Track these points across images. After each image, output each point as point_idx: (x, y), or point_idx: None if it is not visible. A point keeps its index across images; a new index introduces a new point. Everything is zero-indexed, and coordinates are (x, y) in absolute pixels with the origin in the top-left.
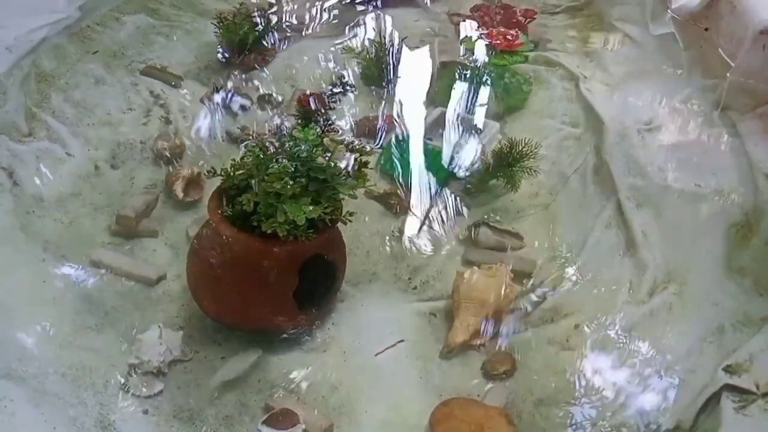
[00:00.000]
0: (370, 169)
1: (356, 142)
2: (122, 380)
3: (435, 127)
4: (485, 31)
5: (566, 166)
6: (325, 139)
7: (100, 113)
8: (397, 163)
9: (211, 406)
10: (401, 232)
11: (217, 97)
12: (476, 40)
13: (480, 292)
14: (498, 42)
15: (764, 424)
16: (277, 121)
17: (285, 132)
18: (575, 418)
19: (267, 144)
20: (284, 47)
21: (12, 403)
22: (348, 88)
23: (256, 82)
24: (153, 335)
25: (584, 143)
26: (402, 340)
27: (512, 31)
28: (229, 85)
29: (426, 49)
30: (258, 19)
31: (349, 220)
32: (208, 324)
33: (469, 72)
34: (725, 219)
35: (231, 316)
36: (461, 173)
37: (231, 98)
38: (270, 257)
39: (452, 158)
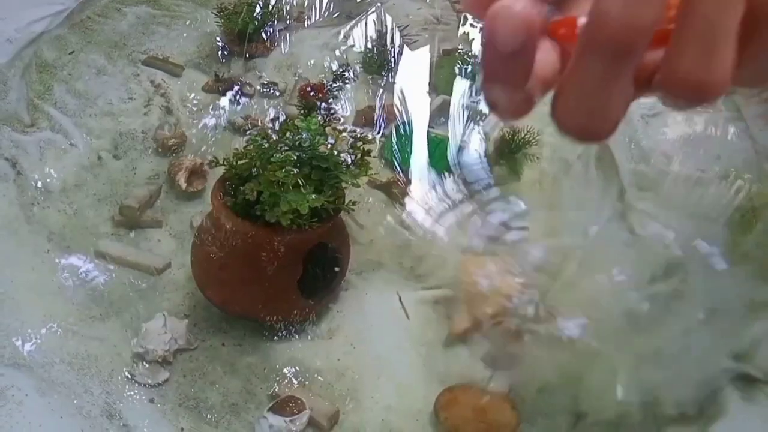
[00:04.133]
0: (373, 157)
1: (358, 131)
2: (128, 369)
3: (437, 115)
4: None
5: (569, 153)
6: (327, 128)
7: (102, 103)
8: (399, 151)
9: (218, 394)
10: (404, 220)
11: (219, 87)
12: (474, 26)
13: (483, 281)
14: None
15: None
16: (278, 109)
17: (286, 121)
18: (578, 405)
19: (269, 133)
20: (286, 37)
21: (19, 392)
22: (349, 77)
23: (258, 72)
24: (158, 324)
25: None
26: (399, 296)
27: None
28: (231, 74)
29: (427, 37)
30: (259, 9)
31: (352, 209)
32: (213, 312)
33: (470, 59)
34: (729, 204)
35: (235, 305)
36: (464, 161)
37: (232, 87)
38: (273, 246)
39: (454, 146)
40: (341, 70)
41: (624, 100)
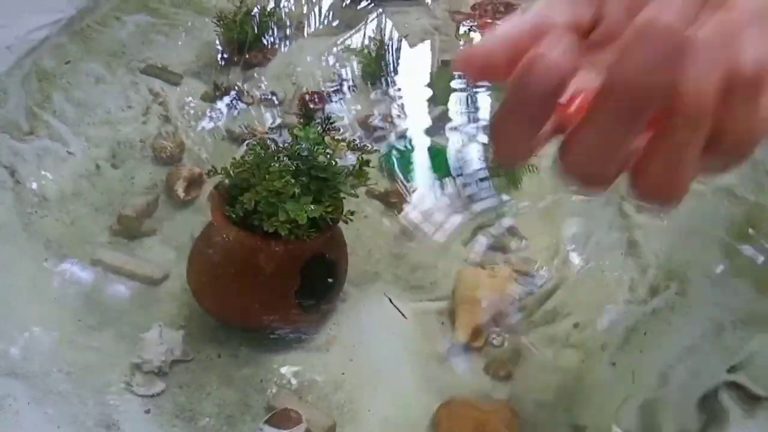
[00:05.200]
0: (372, 167)
1: (357, 141)
2: (124, 379)
3: (436, 125)
4: (474, 23)
5: None
6: (326, 138)
7: (101, 112)
8: (398, 161)
9: (213, 405)
10: (402, 230)
11: (217, 96)
12: (470, 33)
13: (481, 293)
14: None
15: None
16: (278, 119)
17: (285, 130)
18: (577, 418)
19: (268, 142)
20: (285, 45)
21: (16, 401)
22: (348, 86)
23: (257, 81)
24: (154, 335)
25: None
26: (389, 298)
27: (498, 22)
28: (230, 83)
29: (427, 47)
30: (258, 17)
31: (350, 219)
32: (210, 323)
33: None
34: (727, 217)
35: (232, 316)
36: (463, 171)
37: (231, 96)
38: (271, 256)
39: (453, 156)
40: (341, 79)
41: (625, 159)
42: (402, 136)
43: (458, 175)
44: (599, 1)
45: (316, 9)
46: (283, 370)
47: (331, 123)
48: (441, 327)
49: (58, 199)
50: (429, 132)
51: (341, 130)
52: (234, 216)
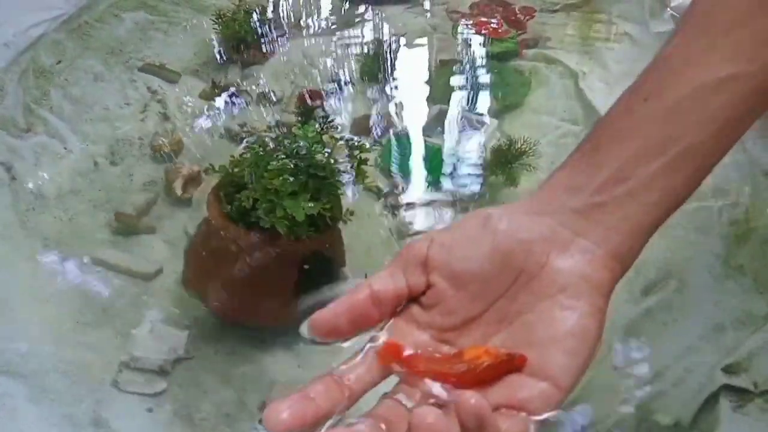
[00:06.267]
0: (370, 166)
1: (355, 139)
2: (120, 378)
3: (433, 125)
4: (470, 22)
5: None
6: (324, 136)
7: (98, 109)
8: (396, 160)
9: (211, 404)
10: (400, 228)
11: (216, 94)
12: (466, 33)
13: None
14: (486, 32)
15: (761, 422)
16: (276, 117)
17: (283, 128)
18: (573, 417)
19: (266, 141)
20: (283, 44)
21: (12, 400)
22: (347, 85)
23: (255, 79)
24: (151, 332)
25: None
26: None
27: (494, 20)
28: (228, 81)
29: (425, 46)
30: (257, 16)
31: (350, 219)
32: (207, 321)
33: (466, 68)
34: (724, 216)
35: (230, 313)
36: (460, 170)
37: (229, 95)
38: (269, 254)
39: (451, 155)
40: (339, 78)
41: None
42: (400, 134)
43: (454, 174)
44: (427, 273)
45: (315, 8)
46: (281, 368)
47: (330, 121)
48: None
49: (55, 197)
50: (426, 130)
51: (339, 129)
52: (232, 213)
